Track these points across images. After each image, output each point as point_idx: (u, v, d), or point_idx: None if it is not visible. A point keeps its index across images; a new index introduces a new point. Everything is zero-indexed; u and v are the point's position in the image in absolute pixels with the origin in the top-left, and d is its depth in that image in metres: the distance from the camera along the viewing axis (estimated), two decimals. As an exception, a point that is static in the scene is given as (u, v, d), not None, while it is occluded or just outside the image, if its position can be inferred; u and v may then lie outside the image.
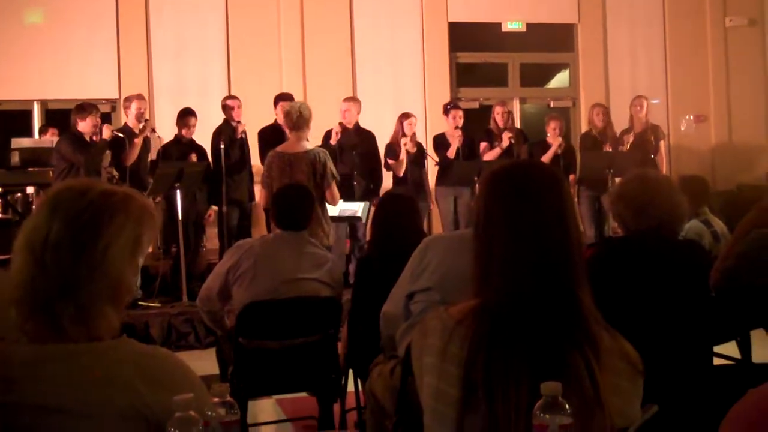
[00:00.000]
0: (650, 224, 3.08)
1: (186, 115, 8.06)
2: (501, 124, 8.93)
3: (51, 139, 8.58)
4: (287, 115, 6.36)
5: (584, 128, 9.96)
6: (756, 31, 11.66)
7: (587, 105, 9.70)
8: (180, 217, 7.52)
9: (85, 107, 7.53)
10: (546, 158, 8.64)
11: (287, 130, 6.54)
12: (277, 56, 10.20)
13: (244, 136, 8.20)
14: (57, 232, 1.64)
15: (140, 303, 7.37)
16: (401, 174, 8.49)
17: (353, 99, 8.72)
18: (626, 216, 3.16)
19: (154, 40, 9.98)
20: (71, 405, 1.56)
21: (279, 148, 6.32)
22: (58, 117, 9.38)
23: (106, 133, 7.52)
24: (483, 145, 8.92)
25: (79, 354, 1.60)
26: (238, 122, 8.18)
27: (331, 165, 6.23)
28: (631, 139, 8.88)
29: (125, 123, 7.99)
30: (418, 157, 8.62)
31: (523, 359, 1.69)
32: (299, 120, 6.20)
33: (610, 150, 8.80)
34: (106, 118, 8.64)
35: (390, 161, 8.55)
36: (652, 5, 11.45)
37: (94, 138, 7.54)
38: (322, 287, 4.14)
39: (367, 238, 6.66)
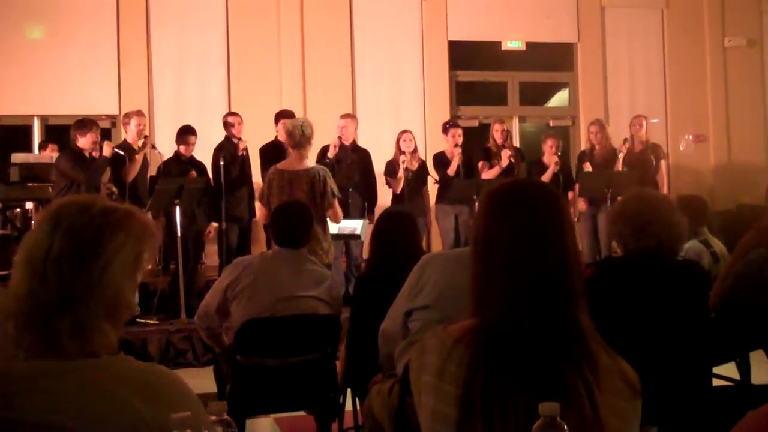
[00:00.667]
0: (649, 244, 3.08)
1: (185, 134, 8.05)
2: (500, 142, 8.94)
3: (51, 154, 8.60)
4: (289, 133, 6.35)
5: (584, 147, 9.96)
6: (755, 52, 11.71)
7: (586, 124, 9.72)
8: (179, 234, 7.51)
9: (85, 123, 7.54)
10: (545, 178, 8.65)
11: (288, 148, 6.54)
12: (278, 73, 10.23)
13: (245, 153, 8.20)
14: (58, 246, 1.64)
15: (138, 320, 7.33)
16: (398, 191, 8.50)
17: (351, 116, 8.74)
18: (625, 235, 3.16)
19: (154, 57, 10.01)
20: (69, 422, 1.55)
21: (279, 165, 6.32)
22: (58, 133, 9.40)
23: (107, 150, 7.51)
24: (481, 164, 8.93)
25: (76, 370, 1.59)
26: (239, 139, 8.18)
27: (331, 182, 6.23)
28: (624, 150, 8.84)
29: (124, 139, 8.00)
30: (419, 174, 8.63)
31: (521, 379, 1.68)
32: (302, 138, 6.20)
33: (609, 169, 8.77)
34: (106, 134, 8.65)
35: (389, 179, 8.56)
36: (651, 25, 11.51)
37: (94, 154, 7.54)
38: (320, 305, 4.13)
39: (365, 255, 6.65)
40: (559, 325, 1.73)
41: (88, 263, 1.64)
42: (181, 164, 8.02)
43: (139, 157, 7.72)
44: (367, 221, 7.77)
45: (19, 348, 1.62)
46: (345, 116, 8.59)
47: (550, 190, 1.90)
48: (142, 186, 7.88)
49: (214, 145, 8.30)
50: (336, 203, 6.24)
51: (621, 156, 8.79)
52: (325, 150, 8.23)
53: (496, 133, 8.95)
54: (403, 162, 8.47)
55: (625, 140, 8.97)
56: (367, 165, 8.57)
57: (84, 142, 7.45)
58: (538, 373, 1.69)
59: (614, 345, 1.81)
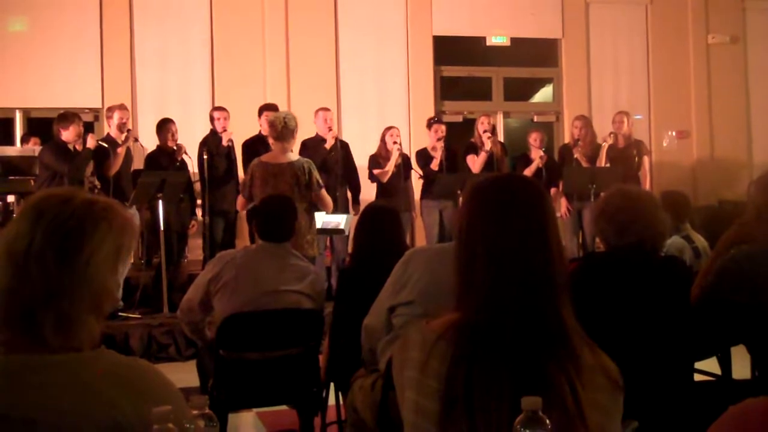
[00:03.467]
0: (632, 240, 3.09)
1: (164, 125, 8.04)
2: (481, 130, 8.89)
3: (33, 148, 8.55)
4: (271, 125, 6.33)
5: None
6: (738, 49, 11.77)
7: (570, 119, 9.74)
8: (162, 228, 7.48)
9: (68, 116, 7.51)
10: (528, 172, 8.68)
11: (271, 141, 6.52)
12: (262, 67, 10.21)
13: (230, 144, 8.18)
14: (41, 240, 1.63)
15: (120, 314, 7.32)
16: (385, 180, 8.49)
17: (329, 109, 8.66)
18: (608, 232, 3.16)
19: (137, 50, 9.97)
20: (49, 417, 1.54)
21: (263, 158, 6.30)
22: (41, 126, 9.34)
23: (91, 142, 7.49)
24: (469, 157, 8.92)
25: (58, 365, 1.58)
26: (224, 131, 8.15)
27: (316, 174, 6.23)
28: (609, 141, 8.85)
29: (107, 133, 7.95)
30: (402, 168, 8.64)
31: (503, 374, 1.68)
32: (284, 131, 6.18)
33: (593, 164, 8.78)
34: (89, 128, 8.61)
35: (375, 171, 8.55)
36: (635, 22, 11.55)
37: (77, 147, 7.50)
38: (304, 299, 4.13)
39: (350, 250, 6.65)
40: (542, 320, 1.74)
41: (71, 256, 1.63)
42: (168, 156, 7.98)
43: (121, 151, 7.69)
44: (351, 215, 7.76)
45: (-2, 343, 1.61)
46: (327, 109, 8.55)
47: (533, 184, 1.90)
48: (125, 179, 7.84)
49: (198, 139, 8.27)
50: (323, 192, 6.24)
51: (605, 146, 8.79)
52: (306, 144, 8.17)
53: (481, 125, 8.94)
54: (398, 150, 8.47)
55: (611, 134, 8.98)
56: (349, 158, 8.57)
57: (67, 135, 7.43)
58: (520, 367, 1.69)
59: (596, 340, 1.81)
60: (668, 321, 3.01)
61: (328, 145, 8.17)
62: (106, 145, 7.59)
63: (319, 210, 6.49)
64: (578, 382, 1.70)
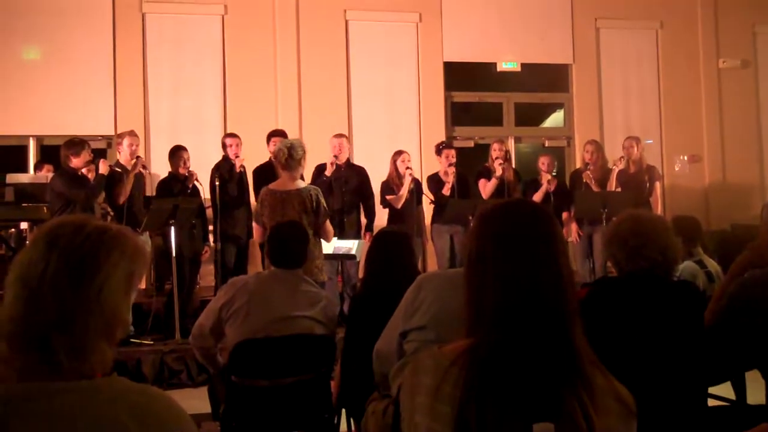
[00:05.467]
0: (644, 265, 3.08)
1: (176, 152, 8.07)
2: (494, 156, 8.91)
3: (46, 175, 8.59)
4: (275, 156, 6.36)
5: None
6: (749, 73, 11.78)
7: (582, 144, 9.73)
8: (174, 254, 7.49)
9: (77, 143, 7.53)
10: (537, 197, 8.67)
11: (278, 168, 6.55)
12: (273, 94, 10.27)
13: (243, 170, 8.21)
14: (55, 266, 1.63)
15: (132, 340, 7.31)
16: (400, 206, 8.50)
17: (344, 135, 8.70)
18: (620, 257, 3.16)
19: (151, 77, 10.04)
20: (61, 444, 1.54)
21: (272, 186, 6.33)
22: (54, 153, 9.39)
23: (103, 167, 7.50)
24: (481, 182, 8.93)
25: (70, 391, 1.58)
26: (236, 157, 8.18)
27: (323, 202, 6.24)
28: (620, 165, 8.83)
29: (117, 160, 7.97)
30: (414, 193, 8.64)
31: (516, 401, 1.68)
32: (289, 161, 6.19)
33: (604, 189, 8.76)
34: (102, 155, 8.64)
35: (388, 197, 8.55)
36: (646, 46, 11.57)
37: (85, 172, 7.53)
38: (315, 325, 4.13)
39: (361, 275, 6.64)
40: (554, 346, 1.73)
41: (85, 282, 1.64)
42: (180, 183, 8.01)
43: (130, 178, 7.70)
44: (363, 241, 7.76)
45: (10, 369, 1.61)
46: (339, 136, 8.58)
47: (542, 210, 1.90)
48: (138, 206, 7.86)
49: (210, 166, 8.30)
50: (328, 222, 6.25)
51: (614, 170, 8.77)
52: (320, 169, 8.23)
53: (494, 152, 8.95)
54: (410, 174, 8.48)
55: (621, 158, 8.96)
56: (365, 182, 8.58)
57: (77, 162, 7.45)
58: (533, 393, 1.69)
59: (609, 365, 1.80)
60: (681, 346, 3.00)
61: (328, 172, 8.19)
62: (119, 170, 7.63)
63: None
64: (591, 407, 1.70)
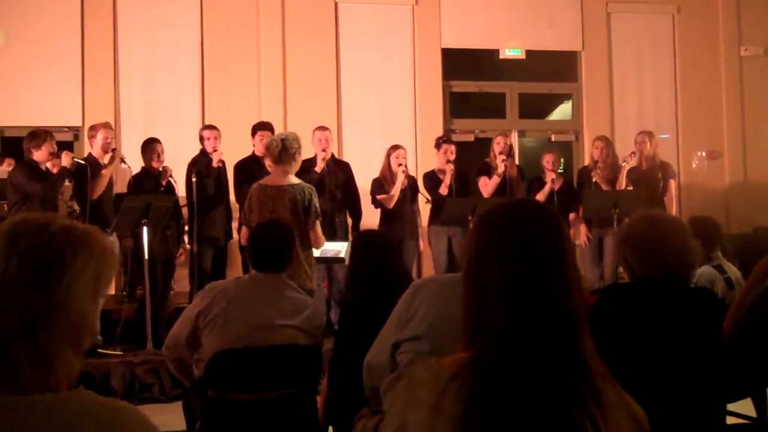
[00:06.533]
0: (659, 270, 3.08)
1: (150, 144, 8.06)
2: (497, 151, 8.90)
3: (7, 169, 8.56)
4: (267, 148, 6.36)
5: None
6: (773, 62, 11.80)
7: (591, 138, 9.73)
8: (146, 256, 7.48)
9: (39, 134, 7.52)
10: (541, 196, 8.67)
11: (269, 163, 6.54)
12: (256, 82, 10.26)
13: (221, 165, 8.19)
14: (17, 267, 1.63)
15: (100, 350, 7.30)
16: (391, 205, 8.50)
17: (327, 128, 8.70)
18: (633, 261, 3.16)
19: (122, 64, 10.02)
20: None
21: (262, 181, 6.33)
22: (17, 146, 9.37)
23: (66, 160, 7.48)
24: (481, 179, 8.93)
25: (32, 406, 1.58)
26: (214, 151, 8.17)
27: (316, 202, 6.24)
28: (630, 162, 8.84)
29: (89, 153, 7.96)
30: (409, 192, 8.63)
31: (522, 419, 1.68)
32: (283, 155, 6.19)
33: (614, 188, 8.76)
34: (68, 148, 8.60)
35: (380, 196, 8.55)
36: (661, 33, 11.58)
37: (50, 167, 7.51)
38: (300, 335, 4.12)
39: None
40: (561, 358, 1.73)
41: (50, 285, 1.63)
42: (154, 179, 8.00)
43: (106, 173, 7.69)
44: (351, 244, 7.75)
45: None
46: (324, 129, 8.58)
47: (547, 210, 1.90)
48: (107, 204, 7.84)
49: (186, 161, 8.29)
50: (318, 226, 6.24)
51: (625, 167, 8.77)
52: (308, 165, 8.21)
53: (497, 146, 8.95)
54: (404, 172, 8.47)
55: (632, 153, 8.97)
56: (350, 179, 8.60)
57: (39, 154, 7.44)
58: (540, 410, 1.68)
59: (620, 379, 1.80)
60: (698, 358, 3.00)
61: (318, 168, 8.19)
62: (83, 163, 7.59)
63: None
64: (602, 424, 1.69)
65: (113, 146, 8.00)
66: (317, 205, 6.23)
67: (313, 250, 6.39)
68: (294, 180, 6.27)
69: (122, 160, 8.04)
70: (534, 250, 1.79)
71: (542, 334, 1.73)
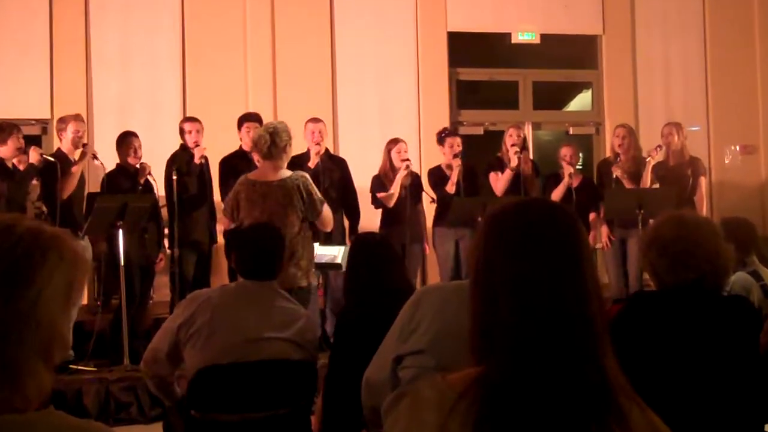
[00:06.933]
0: (689, 277, 3.08)
1: (126, 138, 8.05)
2: (509, 144, 8.91)
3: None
4: (255, 144, 6.38)
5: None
6: (814, 47, 11.79)
7: (613, 131, 9.70)
8: (122, 262, 7.48)
9: (4, 127, 7.52)
10: (557, 195, 8.67)
11: (258, 158, 6.54)
12: (243, 69, 10.25)
13: (203, 162, 8.19)
14: None
15: (72, 366, 7.30)
16: (391, 205, 8.49)
17: (321, 120, 8.71)
18: (660, 267, 3.16)
19: (94, 50, 10.01)
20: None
21: (251, 175, 6.35)
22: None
23: (34, 156, 7.49)
24: (492, 175, 8.94)
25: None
26: (197, 146, 8.17)
27: (314, 189, 6.27)
28: (655, 156, 8.83)
29: (58, 148, 7.97)
30: (413, 191, 8.63)
31: (537, 440, 1.68)
32: (272, 149, 6.20)
33: (636, 184, 8.74)
34: (35, 142, 8.61)
35: (379, 194, 8.55)
36: (690, 14, 11.57)
37: (15, 163, 7.51)
38: (292, 349, 4.12)
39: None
40: (580, 375, 1.73)
41: (18, 292, 1.63)
42: (130, 176, 7.99)
43: (76, 170, 7.70)
44: (348, 247, 7.76)
45: None
46: (317, 120, 8.58)
47: (563, 210, 1.90)
48: (78, 204, 7.85)
49: (166, 156, 8.29)
50: (325, 209, 6.29)
51: (650, 161, 8.77)
52: (299, 160, 8.19)
53: (509, 140, 8.95)
54: (407, 168, 8.47)
55: (658, 147, 8.96)
56: (346, 176, 8.61)
57: (4, 150, 7.45)
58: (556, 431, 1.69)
59: (646, 397, 1.80)
60: (732, 374, 3.00)
61: (311, 164, 8.19)
62: (52, 159, 7.59)
63: (317, 230, 6.54)
64: (625, 447, 1.70)
65: (85, 141, 8.01)
66: (316, 191, 6.27)
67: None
68: (285, 173, 6.28)
69: (94, 156, 8.04)
70: (548, 255, 1.79)
71: (559, 348, 1.72)
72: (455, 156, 8.72)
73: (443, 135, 9.01)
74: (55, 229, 1.77)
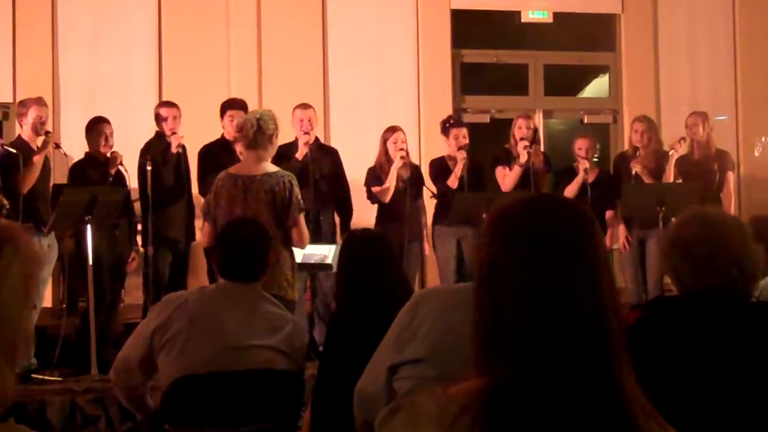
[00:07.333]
0: (715, 282, 3.08)
1: (96, 125, 8.03)
2: (518, 137, 8.88)
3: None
4: (241, 130, 6.36)
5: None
6: None
7: (632, 120, 9.70)
8: (90, 261, 7.47)
9: (-39, 115, 7.53)
10: (570, 191, 8.66)
11: (240, 149, 6.54)
12: (225, 49, 10.25)
13: (181, 151, 8.18)
14: None
15: (34, 375, 7.29)
16: (388, 200, 8.48)
17: (311, 106, 8.71)
18: (683, 270, 3.16)
19: (62, 28, 10.01)
20: None
21: (231, 169, 6.34)
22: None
23: (-7, 144, 7.50)
24: (499, 169, 8.93)
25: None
26: (173, 133, 8.17)
27: (298, 193, 6.25)
28: (678, 149, 8.83)
29: (19, 135, 7.96)
30: (413, 185, 8.62)
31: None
32: (258, 138, 6.20)
33: (657, 181, 8.75)
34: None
35: (374, 188, 8.54)
36: (718, -9, 11.58)
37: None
38: (278, 357, 4.12)
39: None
40: (594, 388, 1.73)
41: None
42: (100, 167, 7.98)
43: (38, 160, 7.67)
44: (340, 246, 7.76)
45: None
46: (306, 106, 8.57)
47: (575, 207, 1.90)
48: (43, 197, 7.84)
49: (140, 145, 8.29)
50: (302, 220, 6.24)
51: (673, 155, 8.76)
52: (286, 151, 8.15)
53: (518, 130, 8.94)
54: (402, 159, 8.45)
55: (681, 139, 8.97)
56: (338, 168, 8.61)
57: (-38, 139, 7.43)
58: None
59: (666, 414, 1.80)
60: (763, 389, 3.01)
61: (299, 155, 8.18)
62: (14, 151, 7.58)
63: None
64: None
65: (48, 127, 7.97)
66: (299, 196, 6.24)
67: (296, 251, 6.40)
68: (270, 168, 6.27)
69: (57, 145, 8.00)
70: (559, 256, 1.79)
71: (570, 359, 1.73)
72: (461, 148, 8.71)
73: (448, 124, 8.98)
74: (8, 221, 1.79)
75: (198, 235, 8.14)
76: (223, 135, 8.31)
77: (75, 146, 8.27)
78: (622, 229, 8.82)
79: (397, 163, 8.46)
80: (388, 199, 8.51)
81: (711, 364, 2.97)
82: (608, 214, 8.84)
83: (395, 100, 10.61)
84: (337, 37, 10.62)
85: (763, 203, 10.41)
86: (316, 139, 8.57)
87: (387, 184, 8.49)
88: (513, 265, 1.79)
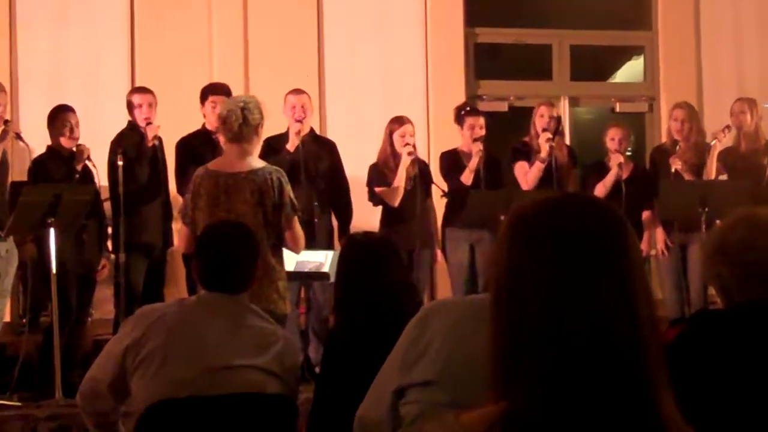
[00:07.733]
0: (764, 293, 3.09)
1: (59, 114, 8.03)
2: (540, 129, 8.87)
3: None
4: (224, 121, 6.35)
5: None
6: None
7: (670, 108, 9.69)
8: (54, 270, 7.47)
9: None
10: (601, 189, 8.64)
11: (223, 141, 6.54)
12: (206, 29, 10.26)
13: (156, 144, 8.19)
14: None
15: (-9, 400, 7.32)
16: (397, 203, 8.47)
17: (304, 92, 8.69)
18: (729, 279, 3.16)
19: (21, 5, 10.01)
20: None
21: (211, 165, 6.33)
22: None
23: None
24: (518, 165, 8.91)
25: None
26: (148, 123, 8.17)
27: (290, 191, 6.23)
28: (722, 140, 8.82)
29: (-26, 127, 7.98)
30: (421, 183, 8.60)
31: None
32: (243, 129, 6.19)
33: (700, 177, 8.74)
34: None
35: (379, 189, 8.52)
36: (766, -38, 11.58)
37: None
38: (267, 379, 4.12)
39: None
40: (627, 413, 1.73)
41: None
42: (64, 162, 7.98)
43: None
44: (338, 252, 7.78)
45: None
46: (299, 92, 8.55)
47: (605, 208, 1.89)
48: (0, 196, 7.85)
49: (110, 137, 8.28)
50: (296, 222, 6.24)
51: (715, 145, 8.73)
52: (274, 143, 8.13)
53: (540, 120, 8.92)
54: (410, 154, 8.43)
55: (726, 128, 8.95)
56: (336, 164, 8.60)
57: None
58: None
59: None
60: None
61: (291, 146, 8.16)
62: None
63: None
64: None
65: (6, 116, 7.99)
66: (292, 196, 6.23)
67: (287, 257, 6.40)
68: (256, 164, 6.26)
69: (17, 136, 8.01)
70: (588, 264, 1.78)
71: (601, 380, 1.73)
72: (476, 140, 8.68)
73: (464, 112, 8.95)
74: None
75: (176, 240, 8.14)
76: (204, 125, 8.31)
77: (36, 138, 8.27)
78: (660, 233, 8.79)
79: (405, 161, 8.41)
80: (397, 202, 8.47)
81: (761, 387, 2.98)
82: (645, 215, 8.82)
83: (400, 85, 10.62)
84: (335, 13, 10.64)
85: (819, 202, 10.42)
86: (311, 129, 8.56)
87: (396, 184, 8.46)
88: (535, 273, 1.79)
